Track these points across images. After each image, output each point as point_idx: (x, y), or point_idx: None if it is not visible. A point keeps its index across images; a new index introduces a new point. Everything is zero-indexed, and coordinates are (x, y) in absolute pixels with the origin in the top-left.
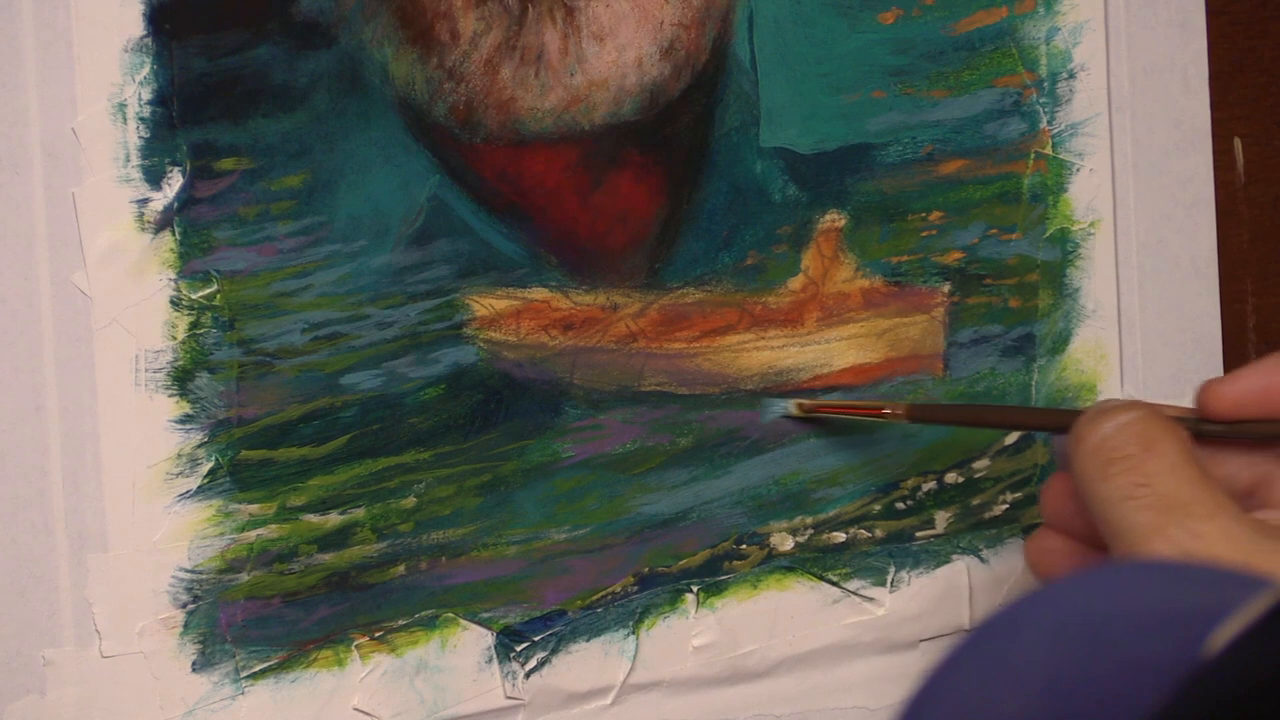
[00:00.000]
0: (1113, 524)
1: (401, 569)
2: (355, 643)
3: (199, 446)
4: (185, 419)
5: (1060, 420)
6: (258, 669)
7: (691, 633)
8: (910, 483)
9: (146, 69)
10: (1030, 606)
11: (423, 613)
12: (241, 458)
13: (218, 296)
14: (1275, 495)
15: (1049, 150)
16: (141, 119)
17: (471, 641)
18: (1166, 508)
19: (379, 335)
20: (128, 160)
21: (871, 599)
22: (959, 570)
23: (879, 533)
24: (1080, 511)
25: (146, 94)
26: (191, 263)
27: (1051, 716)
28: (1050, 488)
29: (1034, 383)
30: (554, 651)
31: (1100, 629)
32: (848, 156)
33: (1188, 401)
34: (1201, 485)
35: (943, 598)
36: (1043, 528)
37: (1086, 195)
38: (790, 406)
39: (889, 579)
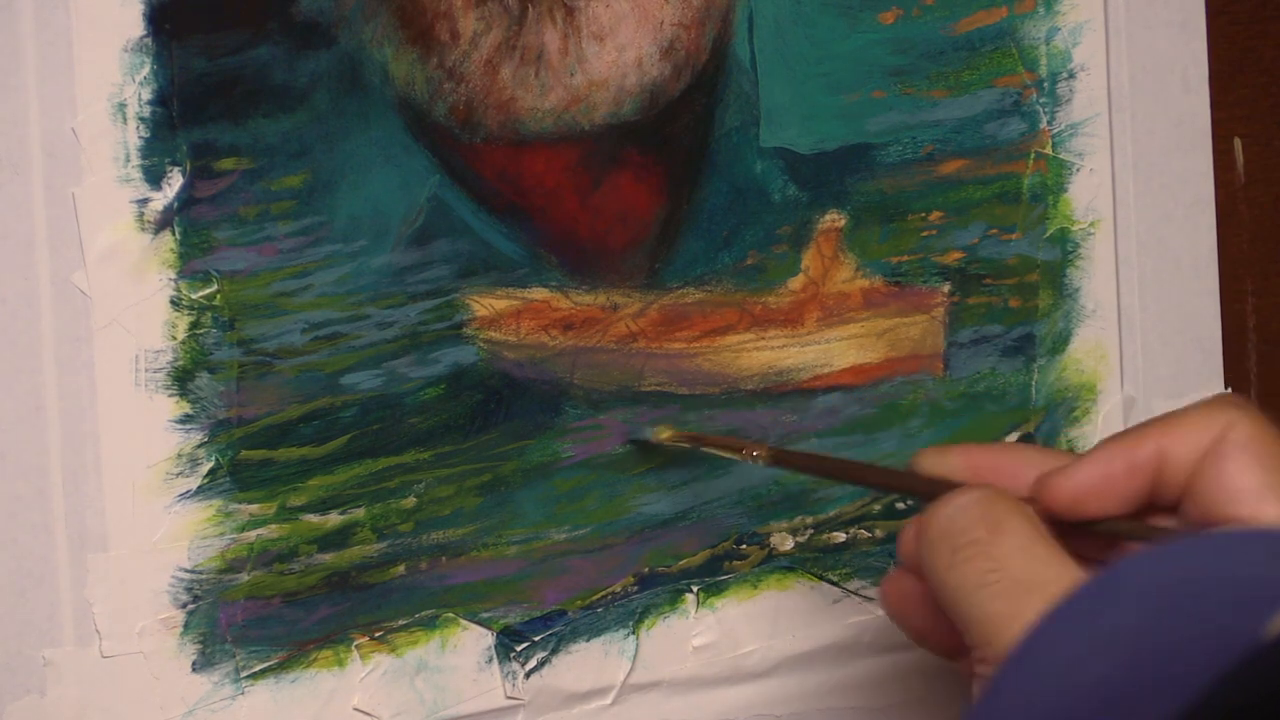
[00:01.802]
0: (966, 614)
1: (401, 569)
2: (355, 643)
3: (199, 446)
4: (185, 419)
5: (913, 485)
6: (258, 669)
7: (691, 633)
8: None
9: (146, 69)
10: (1124, 574)
11: (423, 613)
12: (241, 458)
13: (218, 296)
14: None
15: (1049, 150)
16: (141, 119)
17: (471, 641)
18: (1019, 593)
19: (379, 335)
20: (128, 160)
21: (871, 599)
22: None
23: (879, 533)
24: None
25: (146, 94)
26: (191, 263)
27: (1133, 681)
28: (907, 533)
29: (1034, 383)
30: (554, 651)
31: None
32: (848, 156)
33: (1188, 400)
34: (1055, 564)
35: None
36: (898, 570)
37: (1086, 195)
38: (651, 432)
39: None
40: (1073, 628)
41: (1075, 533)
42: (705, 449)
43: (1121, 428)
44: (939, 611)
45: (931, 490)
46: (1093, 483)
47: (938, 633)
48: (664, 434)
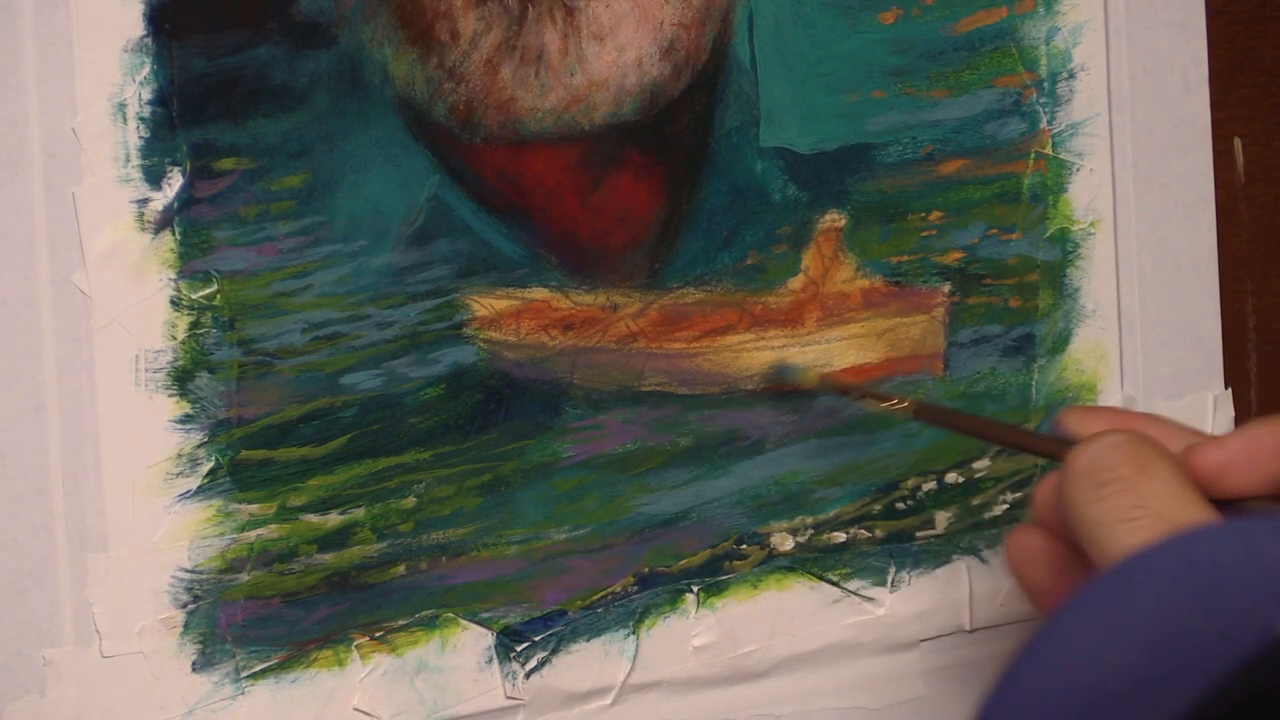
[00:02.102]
0: (1105, 546)
1: (401, 569)
2: (355, 643)
3: (199, 446)
4: (185, 419)
5: (1054, 447)
6: (258, 669)
7: (691, 633)
8: (910, 483)
9: (146, 69)
10: (1143, 562)
11: (423, 613)
12: (241, 458)
13: (218, 296)
14: None
15: (1049, 150)
16: (141, 119)
17: (471, 641)
18: (1166, 528)
19: (379, 335)
20: (128, 160)
21: (871, 599)
22: (959, 570)
23: (879, 533)
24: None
25: (146, 94)
26: (191, 263)
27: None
28: (1045, 485)
29: (1034, 383)
30: (554, 651)
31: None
32: (848, 156)
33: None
34: (1200, 509)
35: (943, 598)
36: (1027, 525)
37: (1086, 195)
38: (798, 374)
39: (889, 579)
40: (1091, 616)
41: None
42: (850, 396)
43: None
44: (1059, 569)
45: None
46: (1241, 456)
47: (1055, 591)
48: (811, 377)
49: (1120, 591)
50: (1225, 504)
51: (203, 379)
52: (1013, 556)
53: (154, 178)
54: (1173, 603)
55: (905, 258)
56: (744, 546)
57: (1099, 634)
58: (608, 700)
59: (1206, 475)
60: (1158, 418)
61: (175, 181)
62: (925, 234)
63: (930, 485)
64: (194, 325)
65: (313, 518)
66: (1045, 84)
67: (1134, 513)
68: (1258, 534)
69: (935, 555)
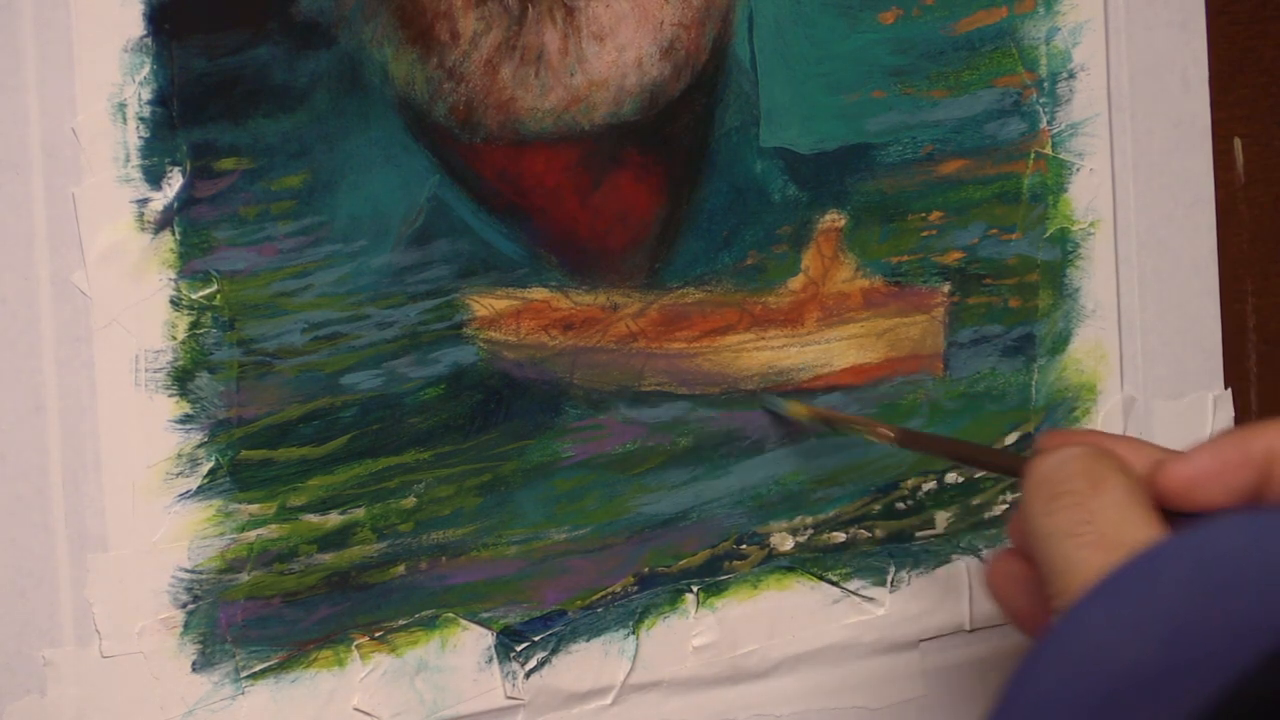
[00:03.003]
0: (1052, 560)
1: (401, 569)
2: (355, 643)
3: (199, 446)
4: (185, 419)
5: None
6: (258, 669)
7: (691, 633)
8: (910, 483)
9: (146, 69)
10: (1165, 553)
11: (423, 613)
12: (241, 458)
13: (218, 296)
14: None
15: (1049, 150)
16: (141, 119)
17: (471, 641)
18: (1109, 547)
19: (379, 335)
20: (128, 160)
21: (871, 599)
22: (959, 570)
23: (879, 533)
24: None
25: (146, 94)
26: (191, 263)
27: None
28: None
29: (1034, 383)
30: (554, 651)
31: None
32: (848, 156)
33: (1187, 400)
34: (1147, 526)
35: (943, 598)
36: (1006, 551)
37: (1086, 195)
38: (786, 406)
39: (889, 579)
40: (1111, 607)
41: (1178, 524)
42: (836, 428)
43: (1121, 428)
44: (1040, 595)
45: None
46: (1209, 470)
47: (1036, 616)
48: (798, 410)
49: (1137, 584)
50: (1196, 517)
51: (203, 379)
52: (992, 582)
53: (154, 178)
54: (1190, 596)
55: (905, 258)
56: (744, 546)
57: (1116, 626)
58: (608, 700)
59: (1174, 490)
60: (1129, 438)
61: (175, 181)
62: (925, 234)
63: (930, 485)
64: (194, 325)
65: (313, 518)
66: (1045, 84)
67: (1081, 528)
68: (1274, 528)
69: (935, 555)
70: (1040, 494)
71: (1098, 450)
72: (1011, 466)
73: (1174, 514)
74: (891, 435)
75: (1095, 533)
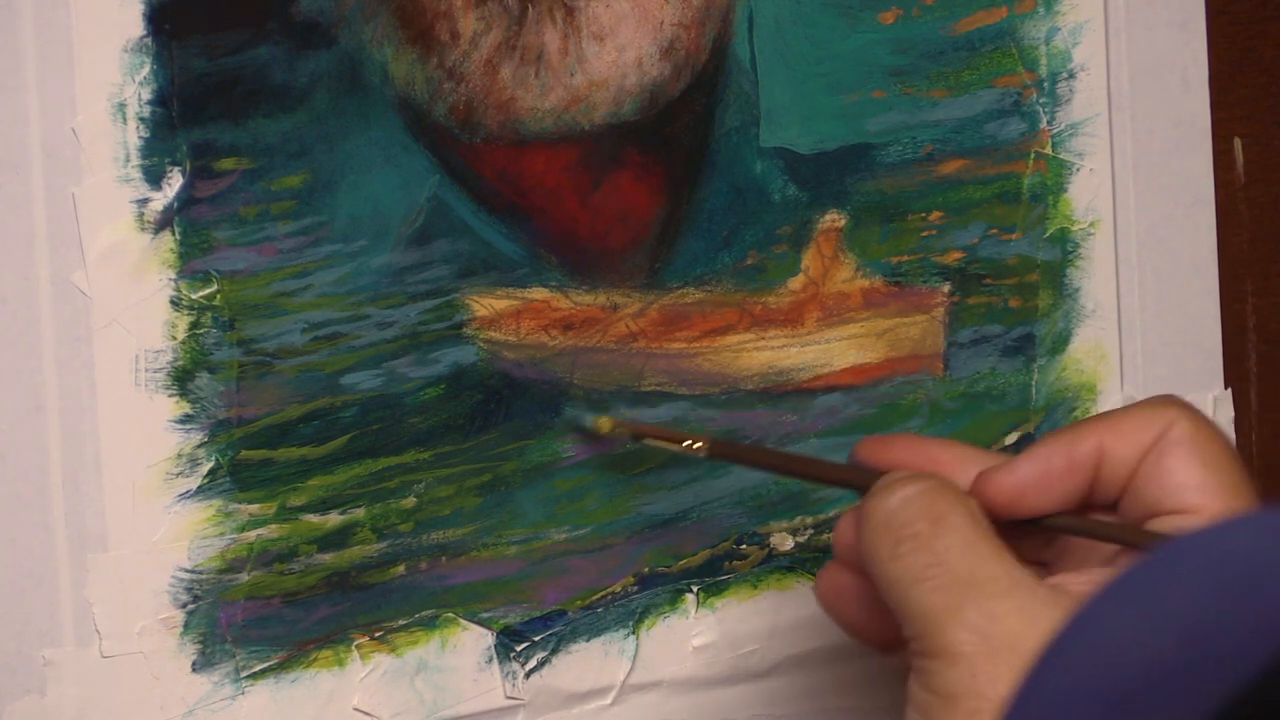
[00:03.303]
0: (905, 606)
1: (401, 569)
2: (355, 643)
3: (199, 446)
4: (185, 419)
5: (854, 478)
6: (258, 669)
7: (691, 633)
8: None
9: (146, 69)
10: (1179, 551)
11: (423, 613)
12: (241, 458)
13: (218, 296)
14: (1073, 559)
15: (1049, 150)
16: (141, 119)
17: (471, 641)
18: (961, 588)
19: (379, 335)
20: (128, 160)
21: (863, 626)
22: None
23: None
24: None
25: (146, 94)
26: (191, 263)
27: (1183, 662)
28: (844, 524)
29: (1034, 383)
30: (554, 651)
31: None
32: (848, 156)
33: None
34: (995, 561)
35: None
36: (833, 563)
37: (1086, 195)
38: (591, 421)
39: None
40: (1125, 605)
41: (1016, 530)
42: (645, 441)
43: None
44: (873, 605)
45: (871, 483)
46: (1032, 479)
47: (872, 627)
48: (604, 425)
49: (1153, 581)
50: (1027, 523)
51: (203, 379)
52: (823, 596)
53: (154, 178)
54: (1209, 593)
55: (905, 258)
56: (744, 546)
57: (1131, 623)
58: (608, 700)
59: (1001, 501)
60: (950, 443)
61: (175, 181)
62: (925, 234)
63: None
64: (194, 325)
65: (313, 518)
66: (1045, 84)
67: (930, 571)
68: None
69: None
70: (883, 540)
71: (936, 486)
72: (840, 479)
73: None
74: (701, 447)
75: (944, 575)
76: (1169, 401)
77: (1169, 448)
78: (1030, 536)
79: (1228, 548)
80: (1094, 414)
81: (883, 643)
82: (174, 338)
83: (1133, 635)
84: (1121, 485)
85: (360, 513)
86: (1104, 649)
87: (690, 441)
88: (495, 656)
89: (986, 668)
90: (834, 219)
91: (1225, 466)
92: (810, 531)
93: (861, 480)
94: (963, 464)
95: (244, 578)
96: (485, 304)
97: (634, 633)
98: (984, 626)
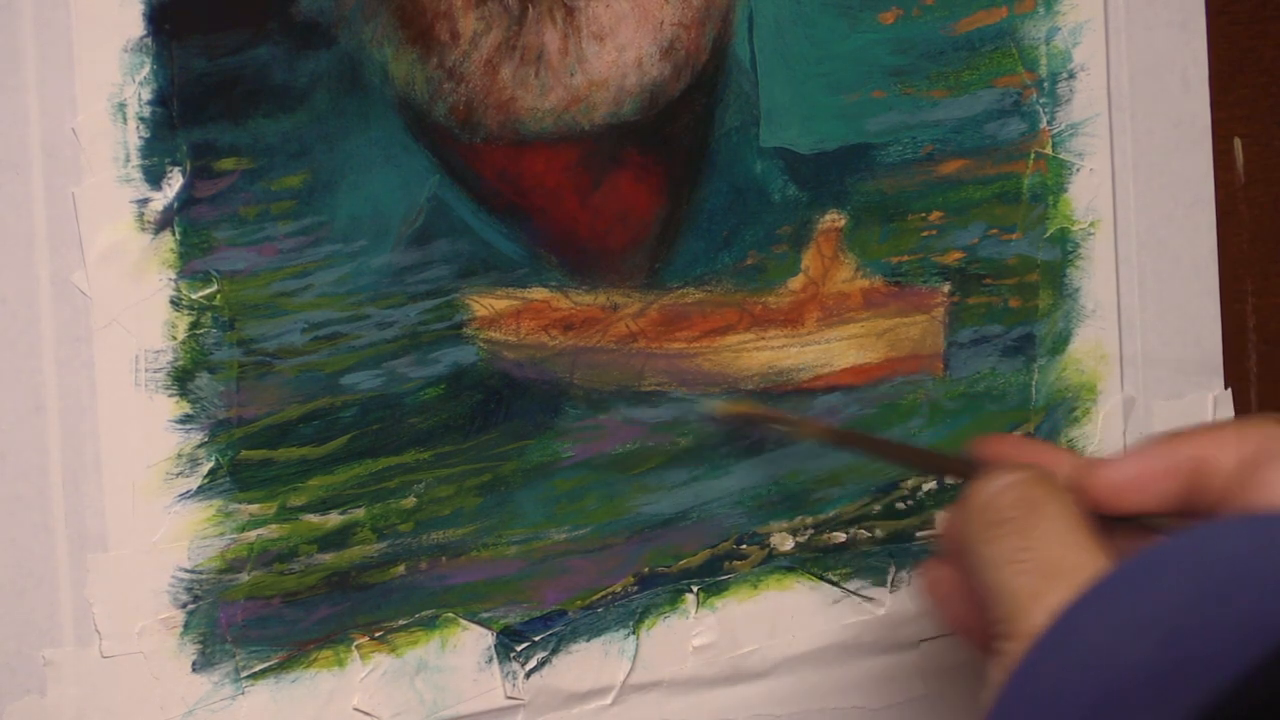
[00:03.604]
0: (993, 587)
1: (401, 569)
2: (355, 643)
3: (199, 446)
4: (185, 419)
5: (964, 469)
6: (258, 669)
7: (691, 633)
8: (910, 483)
9: (146, 69)
10: (1161, 555)
11: (423, 613)
12: (241, 458)
13: (218, 296)
14: None
15: (1049, 150)
16: (141, 119)
17: (471, 641)
18: (1048, 574)
19: (379, 335)
20: (128, 160)
21: (871, 599)
22: None
23: (879, 533)
24: None
25: (146, 94)
26: (191, 263)
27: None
28: (948, 517)
29: (1034, 383)
30: (554, 651)
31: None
32: (848, 156)
33: (1187, 400)
34: (1085, 551)
35: None
36: (938, 558)
37: (1086, 195)
38: (712, 406)
39: (889, 579)
40: (1108, 607)
41: (1113, 528)
42: (762, 424)
43: (1121, 428)
44: (970, 599)
45: (976, 474)
46: (1133, 476)
47: (973, 622)
48: (720, 408)
49: (1134, 585)
50: (1121, 520)
51: (203, 379)
52: (928, 590)
53: (154, 178)
54: (1187, 597)
55: (905, 258)
56: (744, 546)
57: (1113, 626)
58: (608, 700)
59: (1101, 495)
60: (1055, 446)
61: (175, 181)
62: (925, 234)
63: (930, 485)
64: (194, 325)
65: (313, 518)
66: (1045, 84)
67: (1021, 555)
68: (1273, 531)
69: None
70: (980, 521)
71: (1035, 476)
72: (953, 469)
73: (1109, 519)
74: (821, 432)
75: (1035, 560)
76: (1271, 418)
77: (1269, 459)
78: (1128, 536)
79: (1207, 552)
80: (1196, 425)
81: (982, 639)
82: (174, 338)
83: (1114, 638)
84: (1220, 494)
85: (360, 513)
86: (1085, 651)
87: (809, 426)
88: (495, 656)
89: None
90: (834, 219)
91: None
92: (810, 531)
93: (967, 470)
94: (1066, 462)
95: (244, 578)
96: (485, 304)
97: (634, 633)
98: None
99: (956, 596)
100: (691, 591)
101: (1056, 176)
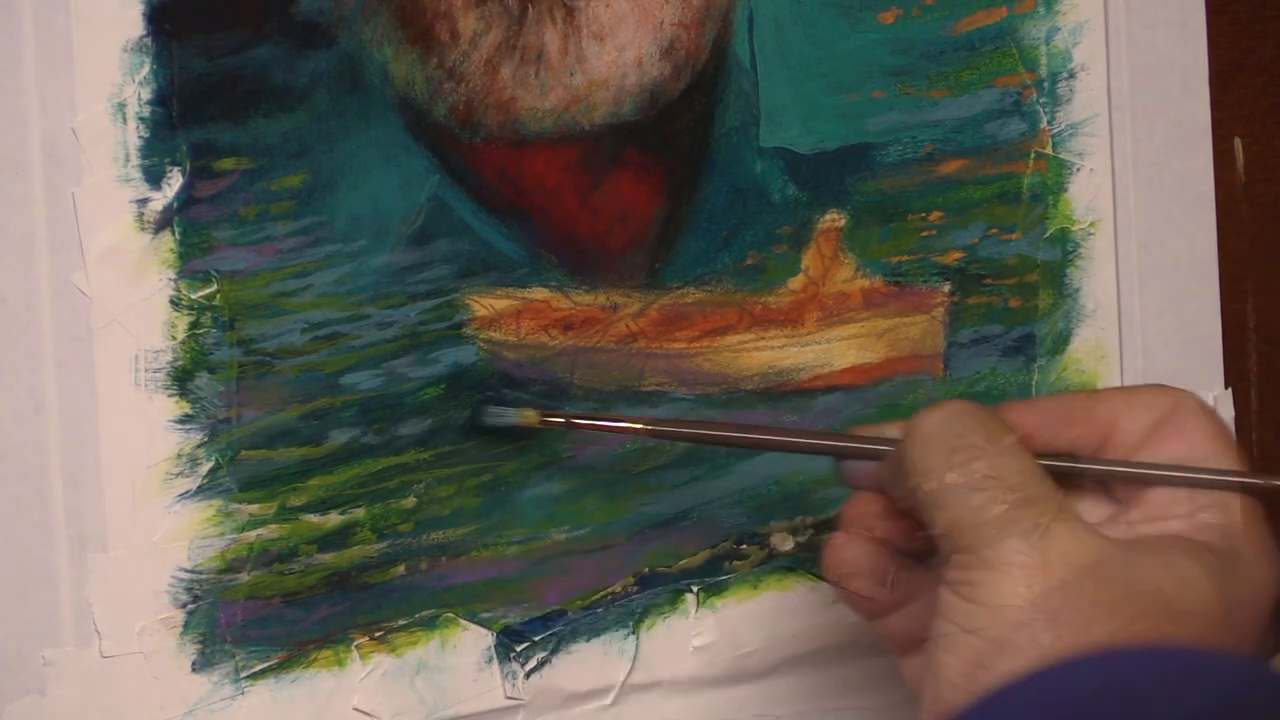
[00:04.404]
0: (958, 515)
1: (401, 569)
2: (355, 643)
3: (199, 446)
4: (185, 419)
5: (826, 444)
6: (258, 669)
7: (691, 633)
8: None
9: (146, 69)
10: (1012, 698)
11: (423, 613)
12: (241, 458)
13: (218, 296)
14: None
15: (1049, 150)
16: (141, 119)
17: (471, 641)
18: (1017, 501)
19: (379, 335)
20: (128, 160)
21: (871, 599)
22: None
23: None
24: (885, 513)
25: (146, 94)
26: (191, 263)
27: None
28: (853, 476)
29: (1034, 383)
30: (554, 651)
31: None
32: (848, 156)
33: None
34: (1047, 483)
35: None
36: (843, 535)
37: (1086, 195)
38: (519, 416)
39: (889, 579)
40: None
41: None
42: (578, 426)
43: None
44: (883, 578)
45: (864, 449)
46: (1051, 419)
47: (881, 602)
48: (530, 417)
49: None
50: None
51: (203, 379)
52: (832, 569)
53: (154, 178)
54: None
55: (905, 258)
56: (744, 546)
57: None
58: (608, 700)
59: (1017, 433)
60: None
61: (175, 181)
62: (925, 234)
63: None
64: (194, 325)
65: (313, 518)
66: (1045, 84)
67: (987, 482)
68: (1125, 666)
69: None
70: (936, 449)
71: (983, 407)
72: (816, 446)
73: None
74: (639, 428)
75: (1001, 487)
76: (1178, 390)
77: (1173, 431)
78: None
79: (1059, 693)
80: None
81: (890, 608)
82: (174, 338)
83: None
84: (1125, 457)
85: (360, 513)
86: None
87: (627, 423)
88: (495, 656)
89: (1039, 577)
90: (834, 219)
91: (1223, 454)
92: (810, 531)
93: (882, 446)
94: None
95: (244, 578)
96: (485, 304)
97: (634, 633)
98: (1037, 540)
99: (865, 573)
100: (691, 592)
101: (1056, 176)
